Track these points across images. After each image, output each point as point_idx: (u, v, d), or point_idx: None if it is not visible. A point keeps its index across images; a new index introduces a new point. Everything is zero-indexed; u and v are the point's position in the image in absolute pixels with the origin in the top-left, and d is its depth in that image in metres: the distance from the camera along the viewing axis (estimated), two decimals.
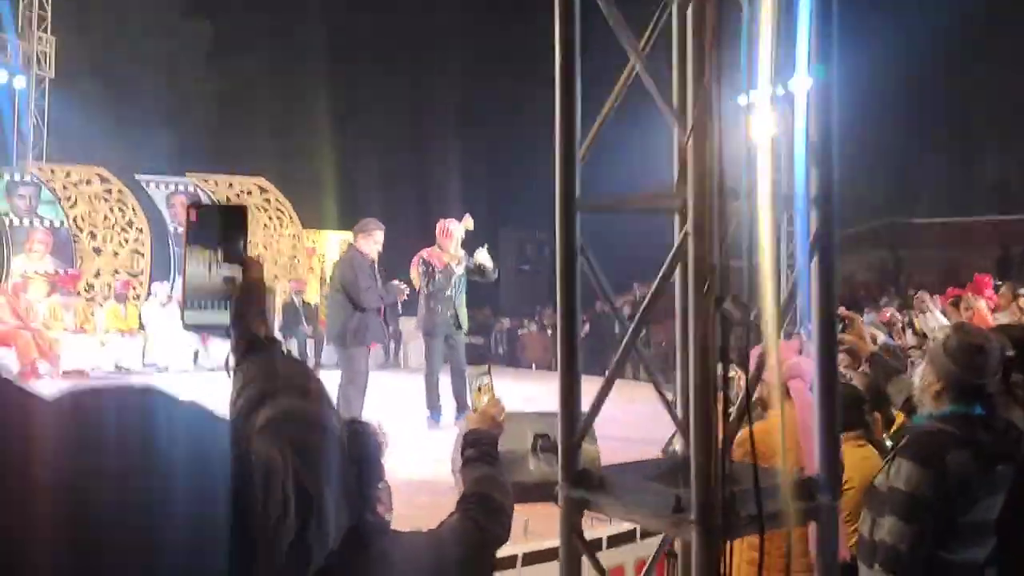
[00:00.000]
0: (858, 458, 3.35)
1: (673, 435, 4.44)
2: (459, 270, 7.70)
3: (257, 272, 1.18)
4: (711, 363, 1.50)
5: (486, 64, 21.86)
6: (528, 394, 11.04)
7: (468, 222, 7.83)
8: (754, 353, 1.94)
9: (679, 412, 2.00)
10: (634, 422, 7.68)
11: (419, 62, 22.02)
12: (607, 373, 2.03)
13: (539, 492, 4.62)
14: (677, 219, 2.00)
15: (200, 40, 20.43)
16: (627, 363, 2.20)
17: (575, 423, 2.01)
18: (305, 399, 1.03)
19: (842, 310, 3.48)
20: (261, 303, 1.17)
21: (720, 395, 1.53)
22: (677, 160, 1.94)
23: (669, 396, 2.21)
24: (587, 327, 16.94)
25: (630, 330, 1.96)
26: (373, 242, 6.92)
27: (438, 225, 7.86)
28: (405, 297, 7.50)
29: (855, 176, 16.33)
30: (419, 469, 5.74)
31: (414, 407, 7.92)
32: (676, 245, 1.78)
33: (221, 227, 1.19)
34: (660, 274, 1.85)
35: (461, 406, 7.22)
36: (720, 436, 1.54)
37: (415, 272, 7.76)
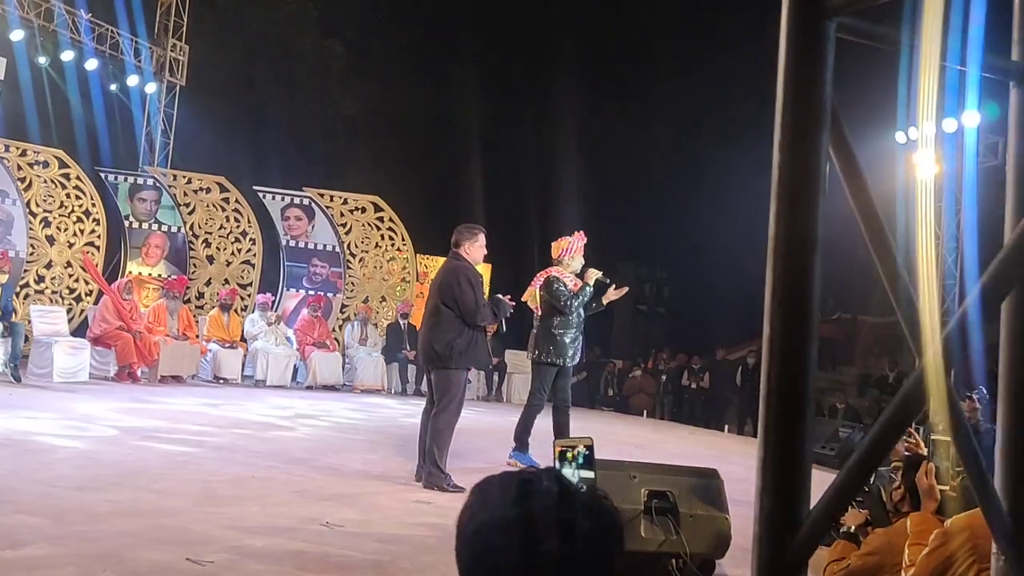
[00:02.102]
0: None
1: (830, 505, 3.38)
2: (589, 291, 6.88)
3: None
4: None
5: (607, 93, 21.15)
6: (641, 443, 10.02)
7: (583, 239, 7.08)
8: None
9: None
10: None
11: (544, 93, 21.53)
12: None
13: (652, 566, 3.67)
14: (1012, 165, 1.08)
15: (331, 62, 20.55)
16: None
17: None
18: None
19: None
20: None
21: None
22: None
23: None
24: (706, 377, 15.62)
25: None
26: (480, 247, 6.05)
27: (557, 244, 7.07)
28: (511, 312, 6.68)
29: None
30: None
31: (505, 445, 7.06)
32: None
33: None
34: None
35: (559, 436, 6.40)
36: None
37: (537, 295, 6.96)
